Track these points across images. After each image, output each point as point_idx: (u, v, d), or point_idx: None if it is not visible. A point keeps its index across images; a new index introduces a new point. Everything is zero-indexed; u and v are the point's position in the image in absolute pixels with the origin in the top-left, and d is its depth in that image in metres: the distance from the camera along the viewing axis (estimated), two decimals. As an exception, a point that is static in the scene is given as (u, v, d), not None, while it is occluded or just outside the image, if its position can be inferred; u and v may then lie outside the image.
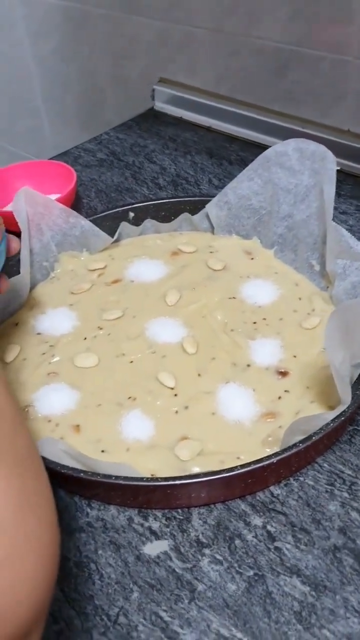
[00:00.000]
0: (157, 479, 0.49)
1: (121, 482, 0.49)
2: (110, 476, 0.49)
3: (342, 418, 0.52)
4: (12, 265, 0.72)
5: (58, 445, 0.51)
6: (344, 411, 0.52)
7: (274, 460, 0.50)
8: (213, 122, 1.06)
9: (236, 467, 0.49)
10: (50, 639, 0.46)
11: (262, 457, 0.51)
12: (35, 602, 0.31)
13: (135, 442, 0.56)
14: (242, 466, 0.50)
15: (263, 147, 0.96)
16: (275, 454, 0.50)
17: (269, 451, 0.54)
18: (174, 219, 0.81)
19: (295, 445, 0.51)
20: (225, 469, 0.49)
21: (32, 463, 0.36)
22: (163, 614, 0.47)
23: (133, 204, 0.81)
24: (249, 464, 0.50)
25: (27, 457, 0.35)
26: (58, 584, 0.49)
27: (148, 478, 0.49)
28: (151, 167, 0.99)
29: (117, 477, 0.49)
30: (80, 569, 0.50)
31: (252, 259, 0.76)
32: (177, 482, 0.49)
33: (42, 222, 0.74)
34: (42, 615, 0.33)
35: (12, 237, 0.58)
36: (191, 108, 1.08)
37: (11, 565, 0.30)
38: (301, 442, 0.51)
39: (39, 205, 0.73)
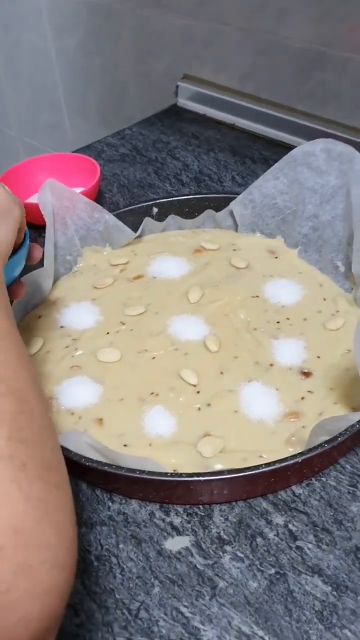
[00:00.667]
0: (180, 474, 0.49)
1: (145, 476, 0.49)
2: (134, 470, 0.49)
3: (368, 420, 0.52)
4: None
5: (83, 438, 0.51)
6: (369, 413, 0.52)
7: (299, 459, 0.50)
8: (237, 120, 1.06)
9: (260, 465, 0.49)
10: (71, 631, 0.46)
11: (286, 456, 0.51)
12: (49, 613, 0.31)
13: (157, 438, 0.56)
14: (267, 465, 0.50)
15: (287, 147, 0.96)
16: (300, 454, 0.50)
17: (291, 450, 0.54)
18: (197, 216, 0.81)
19: (320, 445, 0.51)
20: (249, 467, 0.50)
21: (57, 471, 0.35)
22: (184, 610, 0.47)
23: (157, 199, 0.81)
24: (273, 463, 0.50)
25: (54, 465, 0.35)
26: (79, 577, 0.49)
27: (171, 473, 0.49)
28: (174, 163, 0.99)
29: (141, 472, 0.49)
30: (102, 562, 0.50)
31: (275, 257, 0.76)
32: (200, 478, 0.49)
33: (67, 215, 0.74)
34: (55, 624, 0.32)
35: (36, 246, 0.58)
36: (215, 105, 1.08)
37: (25, 575, 0.30)
38: (326, 442, 0.51)
39: (65, 199, 0.73)
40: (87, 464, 0.51)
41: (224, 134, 1.05)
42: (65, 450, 0.51)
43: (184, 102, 1.13)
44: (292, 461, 0.50)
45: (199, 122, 1.09)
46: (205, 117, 1.09)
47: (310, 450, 0.50)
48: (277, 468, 0.49)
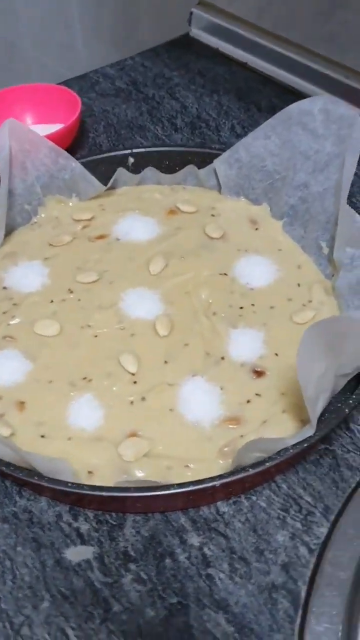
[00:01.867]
0: (82, 486, 0.44)
1: (44, 483, 0.44)
2: (33, 475, 0.44)
3: (305, 445, 0.45)
4: (-13, 207, 0.66)
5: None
6: (309, 437, 0.46)
7: (217, 484, 0.44)
8: (250, 59, 0.94)
9: (171, 485, 0.44)
10: None
11: (210, 476, 0.45)
12: None
13: (79, 431, 0.51)
14: (179, 485, 0.44)
15: (298, 95, 0.86)
16: (220, 477, 0.44)
17: (222, 463, 0.49)
18: (178, 170, 0.72)
19: (244, 469, 0.44)
20: (161, 487, 0.44)
21: None
22: (70, 632, 0.43)
23: (133, 148, 0.72)
24: (187, 484, 0.44)
25: None
26: (-32, 578, 0.45)
27: (73, 484, 0.44)
28: (171, 103, 0.89)
29: (40, 478, 0.44)
30: (-5, 564, 0.46)
31: (256, 229, 0.68)
32: (104, 493, 0.44)
33: (27, 160, 0.66)
34: None
35: None
36: (228, 39, 0.96)
37: None
38: (252, 466, 0.45)
39: (26, 141, 0.66)
40: (-15, 460, 0.46)
41: (233, 72, 0.94)
42: (-34, 441, 0.46)
43: (197, 33, 1.01)
44: (208, 484, 0.44)
45: (208, 58, 0.97)
46: (217, 52, 0.98)
47: (231, 473, 0.45)
48: (190, 490, 0.44)
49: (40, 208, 0.69)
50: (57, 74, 1.44)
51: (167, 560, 0.46)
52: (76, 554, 0.46)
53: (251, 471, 0.44)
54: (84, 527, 0.48)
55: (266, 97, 0.89)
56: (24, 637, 0.43)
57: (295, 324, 0.58)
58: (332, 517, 0.47)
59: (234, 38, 0.96)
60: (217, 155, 0.70)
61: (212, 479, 0.44)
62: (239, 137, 0.81)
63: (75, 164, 0.68)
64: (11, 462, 0.46)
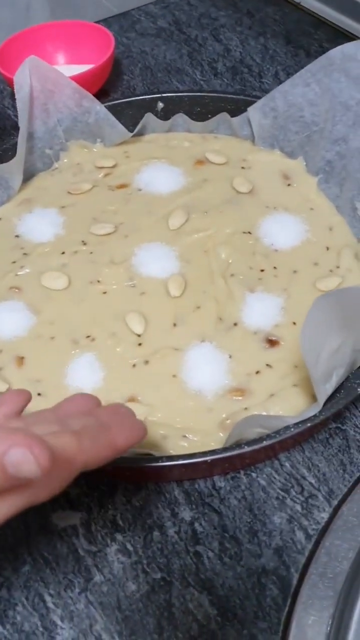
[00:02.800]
0: (68, 452, 0.42)
1: (28, 445, 0.42)
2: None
3: (308, 424, 0.42)
4: (7, 150, 0.63)
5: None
6: (313, 417, 0.42)
7: (208, 459, 0.41)
8: (303, -2, 0.87)
9: (160, 458, 0.41)
10: None
11: (207, 449, 0.42)
12: None
13: (77, 392, 0.48)
14: (170, 458, 0.41)
15: (352, 40, 0.78)
16: (212, 452, 0.41)
17: (222, 436, 0.46)
18: (210, 118, 0.67)
19: (239, 445, 0.41)
20: (152, 458, 0.41)
21: None
22: (48, 599, 0.42)
23: (164, 92, 0.67)
24: (177, 458, 0.41)
25: None
26: None
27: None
28: (214, 46, 0.83)
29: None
30: (-20, 522, 0.45)
31: (288, 185, 0.63)
32: (90, 461, 0.41)
33: (49, 101, 0.63)
34: None
35: None
36: (282, -24, 0.89)
37: None
38: (247, 443, 0.41)
39: (49, 81, 0.62)
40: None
41: (284, 14, 0.87)
42: None
43: (249, -33, 0.94)
44: (200, 459, 0.41)
45: (259, -4, 0.90)
46: (268, -10, 0.91)
47: (224, 449, 0.41)
48: (180, 464, 0.41)
49: (62, 153, 0.66)
50: (110, 12, 1.39)
51: (156, 533, 0.44)
52: (63, 518, 0.45)
53: (246, 448, 0.41)
54: (74, 491, 0.46)
55: (317, 41, 0.82)
56: (1, 599, 0.42)
57: (318, 290, 0.54)
58: (335, 503, 0.44)
59: (288, -26, 0.88)
60: (252, 103, 0.65)
61: (204, 454, 0.41)
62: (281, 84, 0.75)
63: (99, 107, 0.64)
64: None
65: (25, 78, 0.60)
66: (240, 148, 0.66)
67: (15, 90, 0.60)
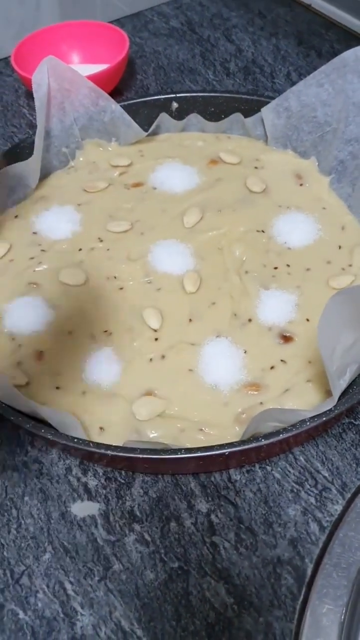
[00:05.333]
0: (88, 444, 0.43)
1: (49, 437, 0.43)
2: (40, 429, 0.43)
3: (323, 418, 0.43)
4: (24, 147, 0.64)
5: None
6: (328, 411, 0.43)
7: (226, 452, 0.42)
8: (314, 0, 0.87)
9: (179, 450, 0.42)
10: None
11: (224, 442, 0.43)
12: None
13: (94, 386, 0.50)
14: (188, 451, 0.42)
15: (361, 42, 0.79)
16: (229, 445, 0.42)
17: (238, 430, 0.47)
18: (224, 118, 0.68)
19: (256, 439, 0.42)
20: (168, 450, 0.42)
21: None
22: (68, 586, 0.43)
23: (178, 92, 0.68)
24: (195, 450, 0.42)
25: None
26: (-27, 522, 0.45)
27: (79, 440, 0.43)
28: (226, 46, 0.84)
29: (45, 431, 0.43)
30: (1, 512, 0.46)
31: (300, 185, 0.63)
32: (110, 452, 0.42)
33: (66, 100, 0.64)
34: None
35: None
36: (293, -23, 0.90)
37: None
38: (265, 436, 0.42)
39: (65, 81, 0.63)
40: (-5, 409, 0.45)
41: (295, 14, 0.88)
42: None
43: (260, -31, 0.94)
44: (217, 452, 0.42)
45: (270, -3, 0.91)
46: (279, -9, 0.92)
47: (242, 442, 0.42)
48: (198, 456, 0.42)
49: (78, 152, 0.67)
50: (120, 10, 1.39)
51: (173, 524, 0.45)
52: (82, 508, 0.46)
53: (263, 442, 0.42)
54: (92, 483, 0.47)
55: (328, 42, 0.83)
56: (22, 587, 0.43)
57: (331, 288, 0.54)
58: (348, 495, 0.45)
59: (300, -24, 0.89)
60: (265, 103, 0.66)
61: (221, 446, 0.42)
62: (295, 84, 0.76)
63: (115, 107, 0.65)
64: (25, 412, 0.46)
65: (43, 77, 0.61)
66: (253, 148, 0.67)
67: (33, 90, 0.61)
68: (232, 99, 0.68)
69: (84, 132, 0.66)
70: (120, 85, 0.77)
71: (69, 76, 0.63)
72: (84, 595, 0.42)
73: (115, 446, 0.43)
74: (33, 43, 0.77)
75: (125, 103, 0.66)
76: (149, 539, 0.44)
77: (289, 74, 0.79)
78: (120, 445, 0.44)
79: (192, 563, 0.43)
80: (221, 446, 0.42)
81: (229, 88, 0.78)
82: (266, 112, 0.65)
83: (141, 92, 0.78)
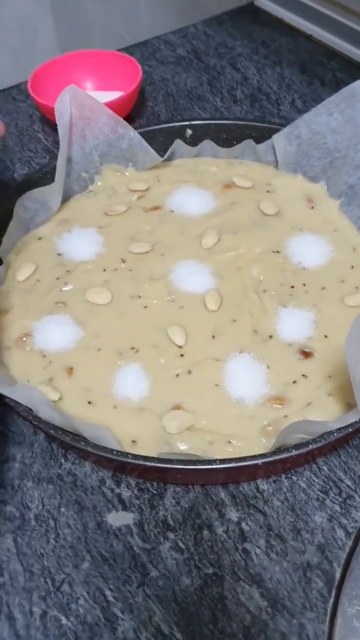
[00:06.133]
0: (126, 455, 0.45)
1: (89, 449, 0.45)
2: (79, 441, 0.46)
3: (350, 430, 0.45)
4: (46, 173, 0.66)
5: (34, 394, 0.47)
6: (354, 422, 0.45)
7: (259, 462, 0.44)
8: (315, 30, 0.92)
9: (214, 460, 0.44)
10: (-9, 589, 0.45)
11: (252, 454, 0.45)
12: None
13: (124, 400, 0.52)
14: (222, 461, 0.44)
15: (363, 71, 0.84)
16: (262, 455, 0.45)
17: (264, 442, 0.49)
18: (236, 144, 0.71)
19: (287, 449, 0.45)
20: (202, 461, 0.45)
21: None
22: (108, 593, 0.44)
23: (192, 120, 0.72)
24: (229, 461, 0.44)
25: None
26: (13, 533, 0.47)
27: (117, 452, 0.45)
28: (232, 74, 0.88)
29: (86, 444, 0.45)
30: (39, 522, 0.48)
31: (312, 208, 0.67)
32: (148, 463, 0.44)
33: (86, 128, 0.66)
34: None
35: None
36: (294, 9, 0.94)
37: None
38: (295, 447, 0.45)
39: (86, 109, 0.66)
40: (34, 423, 0.47)
41: (297, 44, 0.92)
42: (16, 403, 0.47)
43: (262, 2, 0.99)
44: (250, 462, 0.44)
45: (273, 28, 0.95)
46: (281, 23, 0.96)
47: (274, 452, 0.45)
48: (231, 467, 0.44)
49: (97, 177, 0.70)
50: (118, 39, 1.43)
51: (205, 532, 0.47)
52: (117, 518, 0.48)
53: (294, 452, 0.44)
54: (126, 494, 0.49)
55: (330, 71, 0.87)
56: (63, 594, 0.44)
57: (346, 306, 0.57)
58: (371, 503, 0.47)
59: (300, 8, 0.93)
60: (276, 130, 0.69)
61: (254, 457, 0.44)
62: (300, 111, 0.80)
63: (133, 134, 0.68)
64: (59, 426, 0.48)
65: (65, 106, 0.64)
66: (264, 173, 0.70)
67: (56, 117, 0.64)
68: (243, 126, 0.71)
69: (102, 158, 0.69)
70: (131, 111, 0.80)
71: (89, 104, 0.66)
72: (123, 601, 0.44)
73: (152, 457, 0.45)
74: (48, 71, 0.80)
75: (142, 130, 0.69)
76: (183, 546, 0.46)
77: (294, 101, 0.83)
78: (155, 456, 0.46)
79: (225, 569, 0.45)
80: (254, 457, 0.44)
81: (237, 115, 0.81)
82: (278, 139, 0.68)
83: (152, 118, 0.81)
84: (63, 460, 0.51)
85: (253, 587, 0.44)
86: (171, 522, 0.47)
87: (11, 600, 0.44)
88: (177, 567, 0.45)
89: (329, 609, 0.43)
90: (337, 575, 0.44)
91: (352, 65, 0.87)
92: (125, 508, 0.48)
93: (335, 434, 0.45)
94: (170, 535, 0.47)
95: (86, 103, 0.65)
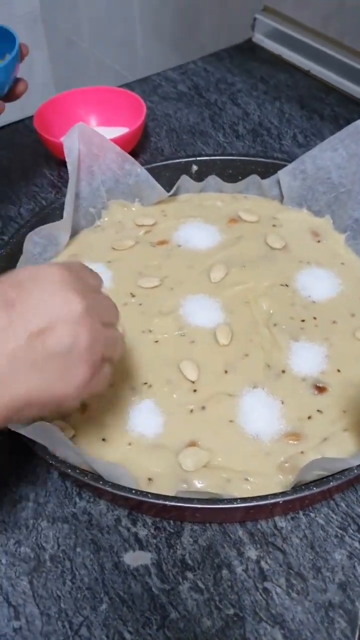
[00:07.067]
0: (146, 494, 0.45)
1: (108, 488, 0.45)
2: (98, 480, 0.45)
3: (370, 466, 0.45)
4: (55, 209, 0.67)
5: (51, 432, 0.46)
6: (373, 458, 0.45)
7: (280, 500, 0.44)
8: (312, 67, 0.94)
9: (235, 499, 0.44)
10: (7, 634, 0.44)
11: (269, 492, 0.45)
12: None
13: (139, 437, 0.51)
14: (242, 500, 0.44)
15: (362, 106, 0.85)
16: (283, 494, 0.44)
17: (281, 478, 0.49)
18: (241, 180, 0.72)
19: (307, 486, 0.45)
20: (222, 500, 0.44)
21: None
22: (127, 636, 0.44)
23: (197, 156, 0.73)
24: (250, 499, 0.44)
25: None
26: (28, 575, 0.46)
27: (136, 491, 0.45)
28: (233, 109, 0.89)
29: (104, 483, 0.45)
30: (55, 564, 0.47)
31: (318, 241, 0.67)
32: (167, 502, 0.44)
33: (94, 164, 0.67)
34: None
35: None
36: (292, 46, 0.96)
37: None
38: (315, 484, 0.45)
39: (94, 146, 0.66)
40: (51, 462, 0.46)
41: (296, 80, 0.94)
42: (32, 441, 0.47)
43: (260, 39, 1.01)
44: (271, 500, 0.44)
45: (271, 64, 0.97)
46: (280, 59, 0.98)
47: (294, 490, 0.45)
48: (252, 506, 0.44)
49: (104, 211, 0.70)
50: (115, 72, 1.46)
51: (224, 572, 0.46)
52: (135, 558, 0.47)
53: (315, 490, 0.44)
54: (142, 533, 0.48)
55: (329, 106, 0.88)
56: (82, 638, 0.44)
57: (358, 340, 0.58)
58: (391, 539, 0.47)
59: (298, 45, 0.95)
60: (280, 166, 0.70)
61: (274, 495, 0.44)
62: (301, 146, 0.81)
63: (140, 170, 0.69)
64: (73, 464, 0.47)
65: (74, 143, 0.65)
66: (269, 207, 0.71)
67: (65, 154, 0.65)
68: (248, 162, 0.72)
69: (110, 194, 0.70)
70: (136, 147, 0.81)
71: (97, 141, 0.66)
72: (144, 645, 0.43)
73: (173, 497, 0.44)
74: (53, 107, 0.81)
75: (149, 166, 0.70)
76: (202, 586, 0.46)
77: (295, 135, 0.84)
78: (173, 495, 0.46)
79: (246, 609, 0.44)
80: (275, 495, 0.44)
81: (240, 150, 0.82)
82: (283, 174, 0.69)
83: (156, 154, 0.82)
84: (78, 499, 0.50)
85: (275, 627, 0.44)
86: (190, 562, 0.47)
87: (28, 646, 0.43)
88: (197, 608, 0.45)
89: (353, 650, 0.42)
90: (360, 615, 0.44)
91: (349, 100, 0.89)
92: (142, 547, 0.48)
93: (356, 471, 0.45)
94: (189, 575, 0.46)
95: (94, 140, 0.66)
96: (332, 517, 0.49)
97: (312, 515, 0.49)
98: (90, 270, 0.45)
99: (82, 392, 0.41)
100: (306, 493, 0.44)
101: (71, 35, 1.54)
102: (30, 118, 0.81)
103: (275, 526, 0.48)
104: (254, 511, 0.47)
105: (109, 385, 0.50)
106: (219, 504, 0.44)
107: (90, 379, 0.41)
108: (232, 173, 0.72)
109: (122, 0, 1.33)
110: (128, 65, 1.41)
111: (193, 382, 0.55)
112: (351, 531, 0.48)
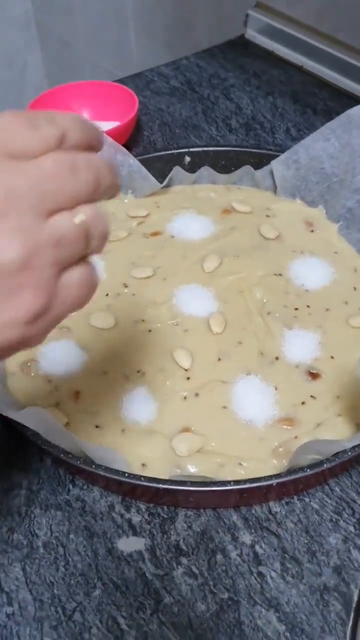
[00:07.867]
0: (140, 477, 0.44)
1: (101, 472, 0.44)
2: (91, 464, 0.45)
3: (363, 448, 0.45)
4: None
5: (44, 417, 0.46)
6: (367, 440, 0.45)
7: (274, 482, 0.44)
8: (306, 62, 0.94)
9: (228, 482, 0.44)
10: (0, 619, 0.44)
11: (264, 475, 0.45)
12: None
13: (133, 424, 0.51)
14: (236, 482, 0.44)
15: (355, 100, 0.86)
16: (277, 476, 0.44)
17: (275, 463, 0.49)
18: (234, 171, 0.72)
19: (301, 469, 0.44)
20: (216, 482, 0.44)
21: None
22: (121, 621, 0.43)
23: (190, 147, 0.73)
24: (244, 482, 0.44)
25: None
26: (21, 562, 0.46)
27: (129, 474, 0.44)
28: (226, 104, 0.89)
29: (97, 467, 0.45)
30: (48, 550, 0.47)
31: (311, 231, 0.67)
32: (161, 485, 0.44)
33: (87, 155, 0.67)
34: None
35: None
36: (285, 42, 0.96)
37: None
38: (309, 466, 0.44)
39: (87, 137, 0.66)
40: (44, 447, 0.46)
41: (289, 76, 0.94)
42: (25, 427, 0.47)
43: (252, 35, 1.01)
44: (265, 482, 0.44)
45: (264, 59, 0.97)
46: (272, 55, 0.98)
47: (288, 473, 0.44)
48: (246, 488, 0.44)
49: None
50: (109, 73, 1.46)
51: (219, 556, 0.46)
52: (128, 544, 0.47)
53: (309, 472, 0.44)
54: (136, 519, 0.48)
55: (322, 101, 0.89)
56: (75, 623, 0.43)
57: (351, 327, 0.58)
58: (385, 523, 0.47)
59: (290, 41, 0.96)
60: (273, 157, 0.70)
61: (269, 477, 0.44)
62: (295, 139, 0.81)
63: (133, 161, 0.68)
64: (68, 450, 0.47)
65: (66, 133, 0.64)
66: (263, 198, 0.71)
67: (57, 145, 0.64)
68: (241, 153, 0.72)
69: (102, 184, 0.69)
70: (128, 140, 0.81)
71: (90, 132, 0.66)
72: (137, 629, 0.43)
73: (166, 480, 0.44)
74: (45, 101, 0.81)
75: (142, 157, 0.70)
76: (196, 571, 0.45)
77: (288, 129, 0.84)
78: (168, 479, 0.45)
79: (241, 593, 0.44)
80: (269, 477, 0.44)
81: (233, 143, 0.82)
82: (276, 164, 0.69)
83: (149, 147, 0.82)
84: (71, 486, 0.50)
85: (270, 611, 0.43)
86: (184, 547, 0.46)
87: (22, 631, 0.43)
88: (191, 592, 0.44)
89: (348, 632, 0.42)
90: (355, 597, 0.44)
91: (343, 95, 0.89)
92: (136, 533, 0.47)
93: (350, 453, 0.45)
94: (183, 560, 0.46)
95: (86, 131, 0.66)
96: (326, 502, 0.48)
97: (307, 500, 0.49)
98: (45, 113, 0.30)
99: (44, 321, 0.30)
100: (300, 475, 0.44)
101: (64, 37, 1.55)
102: (23, 112, 0.80)
103: (269, 511, 0.48)
104: (248, 495, 0.46)
105: (94, 290, 0.35)
106: (212, 487, 0.43)
107: (48, 302, 0.29)
108: (226, 164, 0.73)
109: (114, 0, 1.34)
110: (121, 66, 1.41)
111: (186, 370, 0.55)
112: (346, 515, 0.48)
